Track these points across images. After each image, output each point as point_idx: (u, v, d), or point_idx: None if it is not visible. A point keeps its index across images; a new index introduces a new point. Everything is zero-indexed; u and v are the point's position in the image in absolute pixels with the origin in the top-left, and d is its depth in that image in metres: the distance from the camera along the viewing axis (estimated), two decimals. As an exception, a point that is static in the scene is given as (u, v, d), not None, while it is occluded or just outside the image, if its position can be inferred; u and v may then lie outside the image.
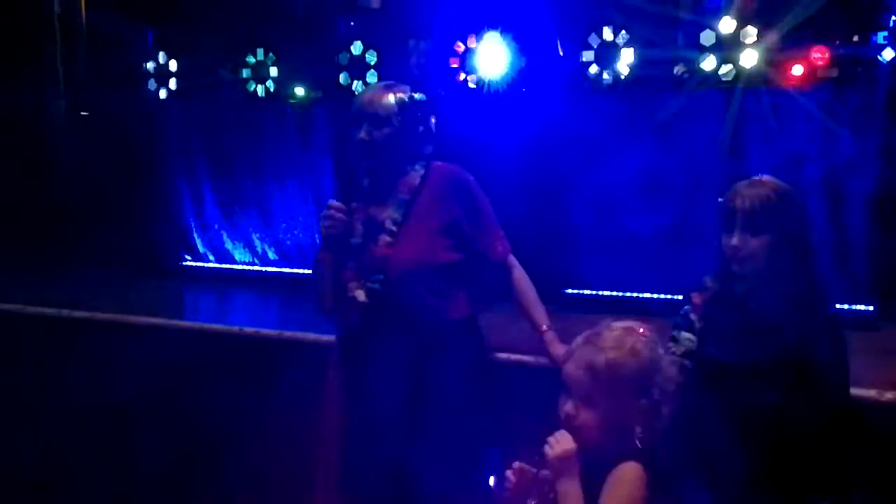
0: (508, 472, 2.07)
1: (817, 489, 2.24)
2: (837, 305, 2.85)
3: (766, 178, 2.34)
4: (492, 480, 2.05)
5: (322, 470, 2.94)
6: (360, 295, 2.75)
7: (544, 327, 2.89)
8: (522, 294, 2.93)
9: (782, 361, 2.23)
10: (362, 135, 2.77)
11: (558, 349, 2.81)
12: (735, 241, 2.26)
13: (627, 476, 1.94)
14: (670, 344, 2.40)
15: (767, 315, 2.28)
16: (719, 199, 2.37)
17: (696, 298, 2.42)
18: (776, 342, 2.24)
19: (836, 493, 2.26)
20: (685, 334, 2.39)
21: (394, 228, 2.77)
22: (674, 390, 2.29)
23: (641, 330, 2.04)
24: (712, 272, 2.43)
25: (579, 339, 2.06)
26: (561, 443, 1.97)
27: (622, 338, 2.00)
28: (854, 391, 2.49)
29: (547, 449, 1.98)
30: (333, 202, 2.74)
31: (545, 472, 2.02)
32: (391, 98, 2.78)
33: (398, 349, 2.74)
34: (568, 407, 2.00)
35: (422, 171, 2.84)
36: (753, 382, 2.23)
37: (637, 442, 1.96)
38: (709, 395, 2.29)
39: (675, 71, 4.29)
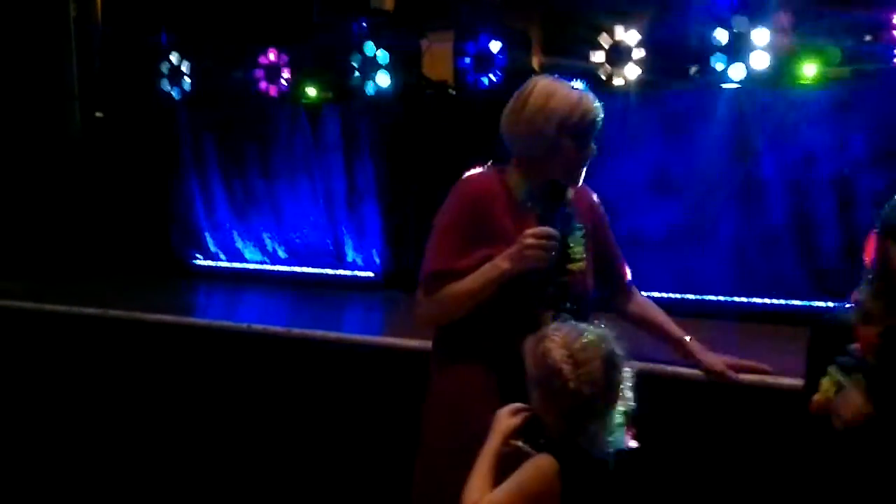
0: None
1: None
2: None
3: None
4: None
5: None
6: None
7: (687, 338, 2.82)
8: (654, 311, 2.83)
9: None
10: (594, 149, 2.49)
11: (710, 357, 2.84)
12: None
13: (529, 468, 1.97)
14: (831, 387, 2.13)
15: None
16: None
17: (866, 331, 2.10)
18: None
19: None
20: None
21: (584, 256, 2.51)
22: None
23: (573, 333, 2.03)
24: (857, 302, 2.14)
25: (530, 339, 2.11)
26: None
27: (548, 340, 2.03)
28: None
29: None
30: (554, 232, 2.37)
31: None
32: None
33: None
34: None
35: (571, 192, 2.55)
36: None
37: (555, 435, 2.01)
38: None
39: (689, 71, 4.28)
